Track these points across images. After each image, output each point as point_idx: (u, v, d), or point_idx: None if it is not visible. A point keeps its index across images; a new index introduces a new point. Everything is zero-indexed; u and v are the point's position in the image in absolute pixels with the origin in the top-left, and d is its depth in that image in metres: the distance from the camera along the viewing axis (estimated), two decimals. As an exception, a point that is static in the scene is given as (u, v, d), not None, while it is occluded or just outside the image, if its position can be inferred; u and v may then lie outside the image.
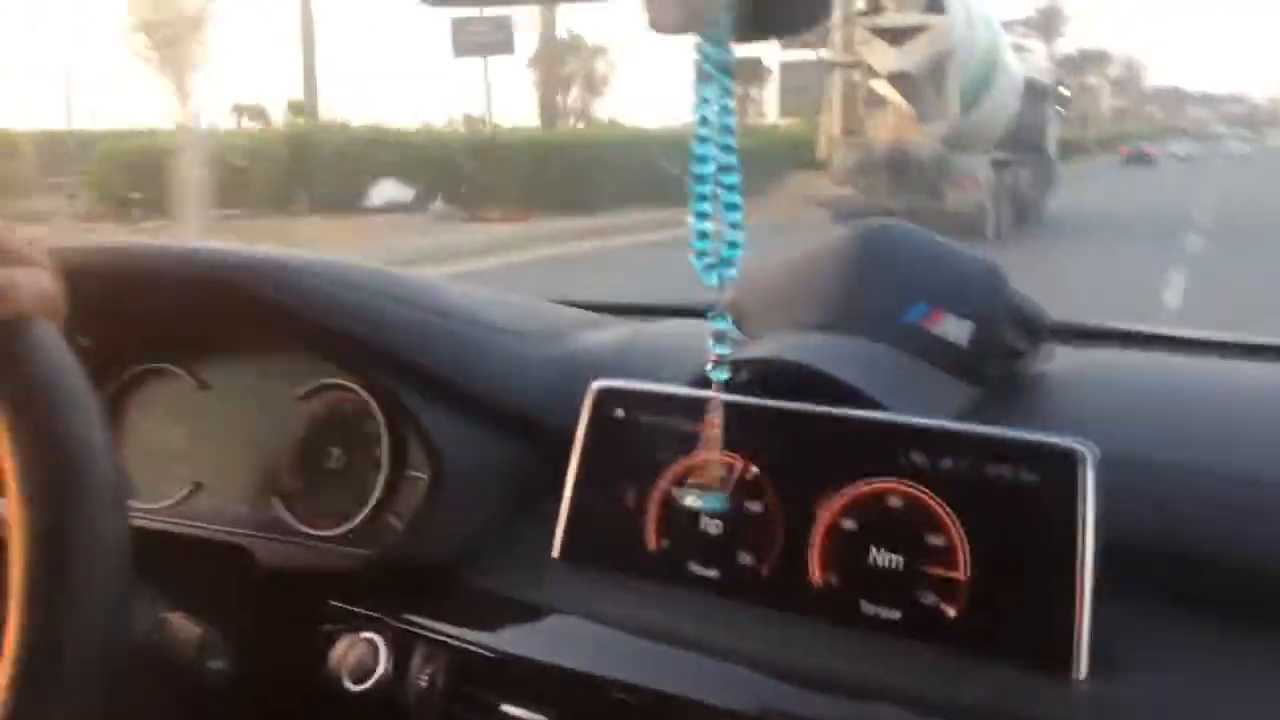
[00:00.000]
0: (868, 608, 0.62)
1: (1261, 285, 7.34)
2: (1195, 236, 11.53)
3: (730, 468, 0.67)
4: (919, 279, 0.77)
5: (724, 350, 0.57)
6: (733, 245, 0.53)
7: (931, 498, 0.62)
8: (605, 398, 0.74)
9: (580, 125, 32.46)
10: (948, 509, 0.61)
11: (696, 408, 0.64)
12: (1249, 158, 40.74)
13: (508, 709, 0.64)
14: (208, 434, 0.87)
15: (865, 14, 12.38)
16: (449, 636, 0.69)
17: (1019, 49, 23.57)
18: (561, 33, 31.98)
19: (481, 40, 17.06)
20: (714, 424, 0.60)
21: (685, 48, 0.51)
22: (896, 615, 0.61)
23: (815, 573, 0.64)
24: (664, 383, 0.74)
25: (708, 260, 0.53)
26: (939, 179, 11.95)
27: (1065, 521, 0.58)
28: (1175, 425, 0.72)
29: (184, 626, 0.61)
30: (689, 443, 0.67)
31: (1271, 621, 0.59)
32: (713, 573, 0.67)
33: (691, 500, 0.64)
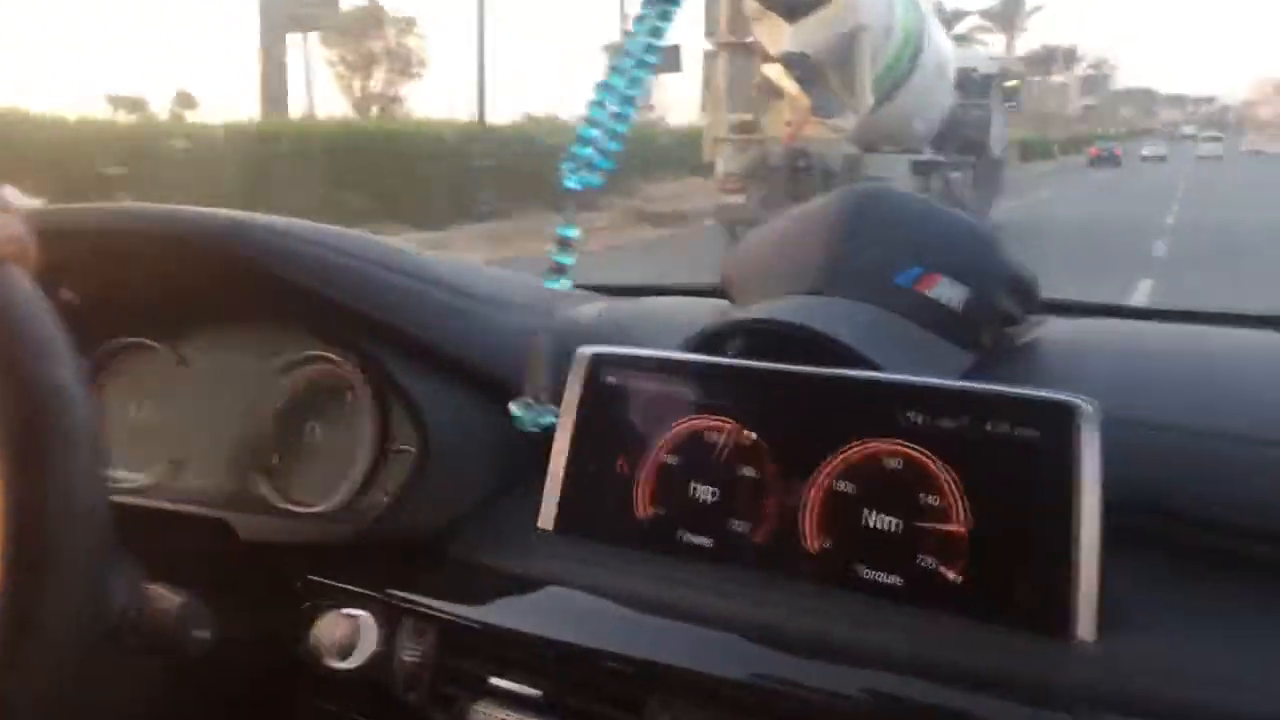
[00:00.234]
0: (866, 572, 0.61)
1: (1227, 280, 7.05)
2: (1160, 241, 11.22)
3: (723, 432, 0.67)
4: (912, 242, 0.76)
5: (565, 259, 0.63)
6: (605, 156, 0.58)
7: (930, 458, 0.61)
8: (597, 364, 0.73)
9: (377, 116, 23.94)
10: (947, 469, 0.60)
11: (688, 373, 0.69)
12: (1220, 159, 40.51)
13: (497, 682, 0.65)
14: (187, 410, 0.85)
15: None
16: (436, 610, 0.68)
17: (967, 41, 21.49)
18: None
19: None
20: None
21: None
22: (895, 579, 0.60)
23: (811, 538, 0.63)
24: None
25: (572, 167, 0.57)
26: (848, 184, 9.77)
27: (1066, 479, 0.57)
28: (1172, 387, 0.73)
29: (165, 596, 0.60)
30: (682, 408, 0.69)
31: (1277, 578, 0.59)
32: (705, 540, 0.66)
33: (517, 409, 0.67)
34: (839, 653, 0.58)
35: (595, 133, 0.70)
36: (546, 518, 0.71)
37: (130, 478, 0.82)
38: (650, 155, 16.31)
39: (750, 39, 10.24)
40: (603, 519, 0.69)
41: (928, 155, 11.50)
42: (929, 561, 0.59)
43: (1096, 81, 72.53)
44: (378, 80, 27.72)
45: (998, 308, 0.76)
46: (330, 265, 0.72)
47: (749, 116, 10.57)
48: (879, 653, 0.57)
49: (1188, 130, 70.52)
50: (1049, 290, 0.85)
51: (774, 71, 10.01)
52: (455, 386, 0.75)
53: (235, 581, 0.70)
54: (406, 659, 0.67)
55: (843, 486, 0.62)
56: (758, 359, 0.68)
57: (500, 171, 12.99)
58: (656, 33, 0.74)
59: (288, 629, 0.72)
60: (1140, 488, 0.60)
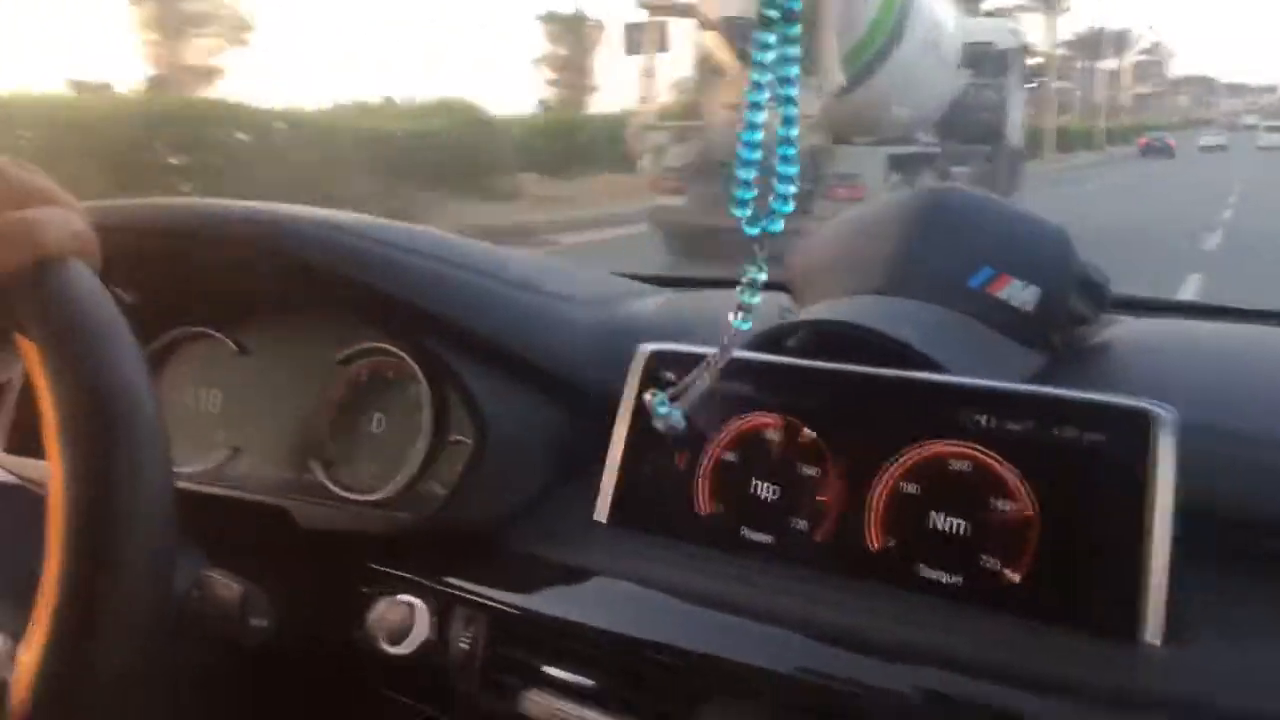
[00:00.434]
0: (927, 572, 0.61)
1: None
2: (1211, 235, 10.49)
3: (784, 430, 0.67)
4: (984, 243, 0.76)
5: (750, 299, 0.60)
6: (782, 200, 0.56)
7: (998, 461, 0.61)
8: (656, 361, 0.73)
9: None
10: (1015, 472, 0.60)
11: (749, 371, 0.68)
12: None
13: (550, 671, 0.65)
14: (246, 398, 0.86)
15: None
16: (490, 599, 0.69)
17: (999, 18, 19.14)
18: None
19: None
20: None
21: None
22: (958, 580, 0.60)
23: (873, 537, 0.63)
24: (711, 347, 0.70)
25: (748, 213, 0.57)
26: (812, 182, 7.72)
27: (1138, 484, 0.57)
28: (1249, 391, 0.71)
29: (225, 583, 0.62)
30: (742, 406, 0.68)
31: None
32: (766, 537, 0.66)
33: (650, 399, 0.64)
34: (897, 652, 0.58)
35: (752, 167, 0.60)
36: (602, 511, 0.72)
37: (190, 464, 0.83)
38: (572, 150, 14.49)
39: (688, 1, 8.27)
40: (660, 513, 0.70)
41: (918, 146, 9.43)
42: (993, 563, 0.59)
43: (1150, 68, 69.10)
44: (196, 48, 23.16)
45: (1069, 309, 0.75)
46: (395, 262, 0.73)
47: (685, 100, 8.60)
48: (939, 652, 0.57)
49: (1249, 120, 67.15)
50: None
51: (714, 41, 8.03)
52: (514, 379, 0.76)
53: (292, 569, 0.71)
54: (460, 646, 0.68)
55: (908, 487, 0.62)
56: (820, 357, 0.68)
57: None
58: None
59: (343, 616, 0.72)
60: (1210, 494, 0.59)
